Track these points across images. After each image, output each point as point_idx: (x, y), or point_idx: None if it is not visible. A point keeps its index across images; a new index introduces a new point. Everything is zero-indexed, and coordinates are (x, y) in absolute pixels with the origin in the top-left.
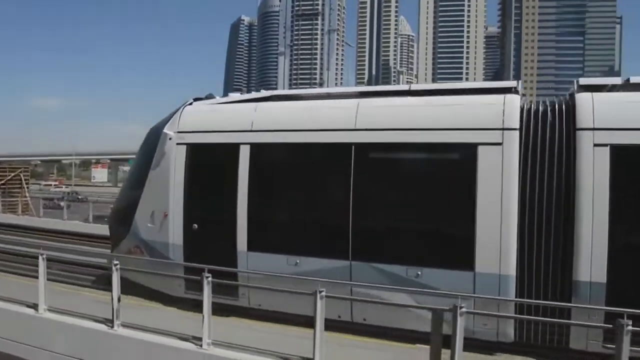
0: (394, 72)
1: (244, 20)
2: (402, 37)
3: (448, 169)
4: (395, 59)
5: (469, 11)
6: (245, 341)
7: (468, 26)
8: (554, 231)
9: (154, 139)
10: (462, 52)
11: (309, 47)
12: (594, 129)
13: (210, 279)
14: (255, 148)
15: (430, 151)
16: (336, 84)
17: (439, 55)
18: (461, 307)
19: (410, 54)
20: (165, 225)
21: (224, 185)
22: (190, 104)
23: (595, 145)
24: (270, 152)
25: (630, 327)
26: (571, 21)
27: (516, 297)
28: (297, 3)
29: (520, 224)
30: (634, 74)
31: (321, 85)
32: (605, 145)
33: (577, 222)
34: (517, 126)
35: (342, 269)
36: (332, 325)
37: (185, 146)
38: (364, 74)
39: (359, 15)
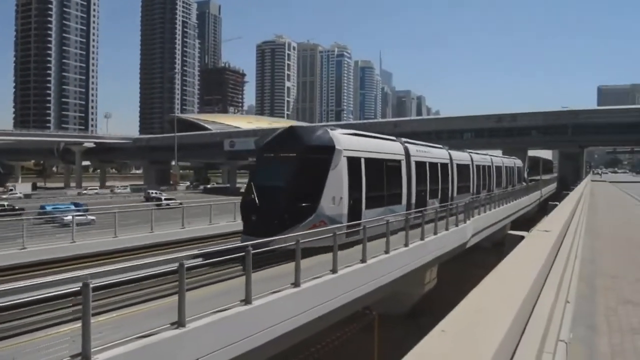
0: None
1: None
2: None
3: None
4: None
5: None
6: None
7: None
8: None
9: (317, 150)
10: None
11: None
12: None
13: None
14: (353, 159)
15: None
16: None
17: None
18: None
19: None
20: (341, 204)
21: (363, 179)
22: (333, 129)
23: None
24: (367, 164)
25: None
26: None
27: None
28: None
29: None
30: None
31: None
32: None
33: None
34: (405, 153)
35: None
36: None
37: (346, 158)
38: None
39: None
